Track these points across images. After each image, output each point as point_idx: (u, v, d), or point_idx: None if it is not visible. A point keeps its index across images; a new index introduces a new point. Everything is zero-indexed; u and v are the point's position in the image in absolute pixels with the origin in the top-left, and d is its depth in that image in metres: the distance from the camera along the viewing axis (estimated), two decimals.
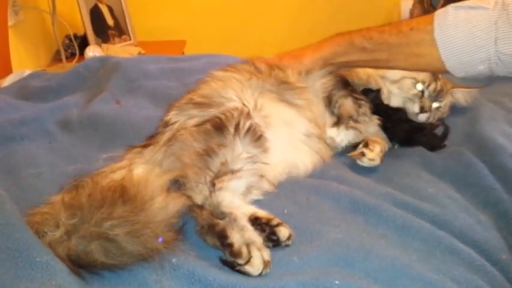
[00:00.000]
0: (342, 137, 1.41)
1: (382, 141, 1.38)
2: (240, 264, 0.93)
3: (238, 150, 1.13)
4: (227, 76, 1.43)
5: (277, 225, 1.02)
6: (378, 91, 1.48)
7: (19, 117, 1.60)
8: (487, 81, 1.65)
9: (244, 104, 1.24)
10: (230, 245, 0.96)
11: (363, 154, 1.29)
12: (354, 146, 1.39)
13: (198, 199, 1.07)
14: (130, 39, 3.20)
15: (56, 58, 3.01)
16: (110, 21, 3.11)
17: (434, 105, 1.46)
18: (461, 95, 1.52)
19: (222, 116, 1.17)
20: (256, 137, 1.17)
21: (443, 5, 2.28)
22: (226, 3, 3.43)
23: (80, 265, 0.91)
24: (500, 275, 0.97)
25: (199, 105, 1.29)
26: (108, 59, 2.08)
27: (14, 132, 1.54)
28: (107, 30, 3.09)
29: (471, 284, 0.92)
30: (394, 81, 1.51)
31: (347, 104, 1.45)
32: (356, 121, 1.43)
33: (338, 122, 1.42)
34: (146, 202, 0.95)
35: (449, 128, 1.46)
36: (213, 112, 1.22)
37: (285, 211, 1.10)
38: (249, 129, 1.16)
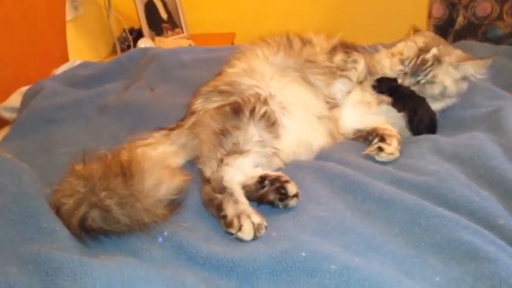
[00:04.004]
0: (334, 88, 1.47)
1: (396, 134, 1.37)
2: (233, 233, 1.02)
3: (251, 133, 1.22)
4: (252, 51, 1.51)
5: (286, 181, 1.11)
6: (393, 79, 1.50)
7: (61, 102, 1.74)
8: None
9: (262, 92, 1.31)
10: (224, 217, 1.05)
11: (380, 149, 1.29)
12: (365, 137, 1.40)
13: (207, 172, 1.18)
14: (183, 32, 3.33)
15: (114, 50, 3.20)
16: (164, 15, 3.25)
17: (421, 79, 1.47)
18: (470, 68, 1.46)
19: (240, 101, 1.26)
20: (271, 123, 1.24)
21: None
22: None
23: (85, 229, 1.01)
24: (498, 239, 0.94)
25: (222, 93, 1.37)
26: (149, 50, 2.20)
27: (55, 116, 1.69)
28: (161, 23, 3.24)
29: (456, 243, 0.93)
30: (392, 55, 1.55)
31: (337, 58, 1.53)
32: (343, 69, 1.50)
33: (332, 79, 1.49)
34: (134, 177, 1.02)
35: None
36: (233, 98, 1.30)
37: None
38: (264, 114, 1.24)
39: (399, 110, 1.46)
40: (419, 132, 1.42)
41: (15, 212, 1.02)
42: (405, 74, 1.49)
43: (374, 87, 1.50)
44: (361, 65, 1.52)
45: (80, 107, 1.75)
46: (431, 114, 1.44)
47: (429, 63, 1.45)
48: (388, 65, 1.53)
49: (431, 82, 1.46)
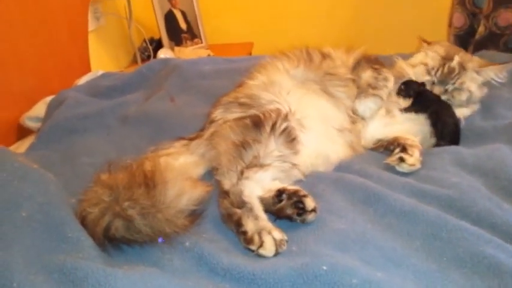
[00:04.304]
0: (364, 107, 1.46)
1: (418, 144, 1.36)
2: (253, 250, 1.01)
3: (271, 148, 1.22)
4: (273, 65, 1.52)
5: (304, 195, 1.10)
6: (421, 83, 1.53)
7: (83, 112, 1.78)
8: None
9: (282, 107, 1.32)
10: (244, 233, 1.05)
11: (401, 160, 1.28)
12: (386, 147, 1.39)
13: (226, 184, 1.17)
14: (202, 42, 3.36)
15: (134, 60, 3.25)
16: (183, 25, 3.29)
17: (449, 87, 1.50)
18: (491, 72, 1.51)
19: (261, 115, 1.26)
20: (290, 139, 1.25)
21: (494, 9, 2.20)
22: (292, 6, 3.47)
23: (109, 238, 1.03)
24: None
25: (242, 105, 1.38)
26: (170, 61, 2.23)
27: (78, 126, 1.72)
28: (180, 34, 3.28)
29: (478, 257, 0.92)
30: (412, 66, 1.58)
31: (366, 75, 1.52)
32: (375, 88, 1.48)
33: (359, 93, 1.48)
34: (157, 187, 1.03)
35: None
36: (253, 111, 1.31)
37: None
38: (284, 130, 1.25)
39: (416, 111, 1.47)
40: (443, 137, 1.42)
41: (42, 222, 1.04)
42: (433, 83, 1.52)
43: (400, 90, 1.52)
44: (391, 83, 1.52)
45: (102, 117, 1.78)
46: (456, 120, 1.45)
47: (456, 71, 1.50)
48: (412, 74, 1.56)
49: (459, 89, 1.50)
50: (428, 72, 1.53)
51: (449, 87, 1.50)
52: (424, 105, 1.47)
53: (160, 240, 1.01)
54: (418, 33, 2.91)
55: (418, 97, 1.50)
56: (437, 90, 1.50)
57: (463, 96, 1.50)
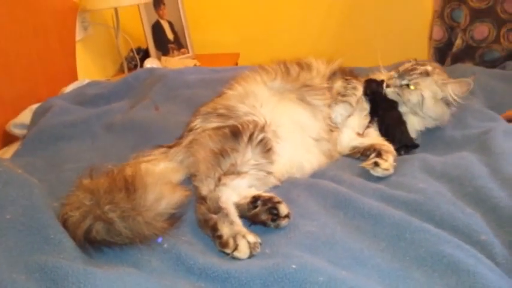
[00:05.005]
0: (335, 113, 1.56)
1: (393, 150, 1.43)
2: (228, 253, 1.06)
3: (248, 157, 1.27)
4: (251, 77, 1.59)
5: (278, 202, 1.15)
6: (380, 82, 1.61)
7: (70, 120, 1.82)
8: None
9: (258, 119, 1.37)
10: (219, 237, 1.09)
11: (376, 164, 1.35)
12: (362, 153, 1.46)
13: (204, 190, 1.22)
14: (188, 52, 3.42)
15: (121, 69, 3.29)
16: (170, 36, 3.35)
17: (403, 82, 1.56)
18: (449, 87, 1.53)
19: (240, 126, 1.32)
20: (266, 149, 1.31)
21: (471, 22, 2.29)
22: (278, 17, 3.55)
23: (90, 241, 1.06)
24: (478, 253, 0.99)
25: (220, 116, 1.44)
26: (156, 70, 2.28)
27: (64, 133, 1.76)
28: (167, 44, 3.33)
29: (438, 255, 0.98)
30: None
31: (337, 85, 1.61)
32: (344, 95, 1.58)
33: (331, 102, 1.57)
34: (137, 191, 1.08)
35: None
36: (231, 122, 1.37)
37: None
38: (261, 141, 1.31)
39: (371, 120, 1.57)
40: (388, 135, 1.50)
41: (25, 224, 1.08)
42: (394, 78, 1.59)
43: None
44: (359, 92, 1.61)
45: (88, 125, 1.82)
46: (401, 124, 1.53)
47: (417, 71, 1.54)
48: (387, 77, 1.63)
49: (411, 89, 1.54)
50: (398, 71, 1.59)
51: (405, 84, 1.55)
52: (375, 109, 1.57)
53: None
54: (404, 44, 3.02)
55: (373, 97, 1.59)
56: (392, 81, 1.57)
57: (413, 97, 1.53)
